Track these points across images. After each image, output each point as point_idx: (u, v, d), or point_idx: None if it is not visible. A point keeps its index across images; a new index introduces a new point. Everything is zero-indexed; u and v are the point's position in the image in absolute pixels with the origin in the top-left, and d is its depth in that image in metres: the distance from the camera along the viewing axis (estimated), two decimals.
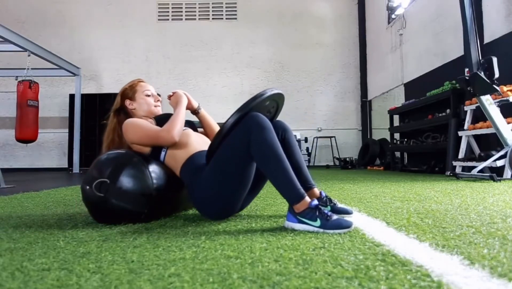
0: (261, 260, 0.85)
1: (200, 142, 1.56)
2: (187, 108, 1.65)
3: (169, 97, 1.65)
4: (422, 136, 5.62)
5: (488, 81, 3.27)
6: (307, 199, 1.22)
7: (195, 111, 1.72)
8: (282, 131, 1.48)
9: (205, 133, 1.75)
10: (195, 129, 1.71)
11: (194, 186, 1.39)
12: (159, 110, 1.69)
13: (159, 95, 1.78)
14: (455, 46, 5.06)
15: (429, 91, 5.33)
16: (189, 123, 1.70)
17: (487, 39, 4.47)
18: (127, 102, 1.64)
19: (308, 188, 1.46)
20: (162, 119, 1.57)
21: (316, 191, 1.49)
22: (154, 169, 1.43)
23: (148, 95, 1.66)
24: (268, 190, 2.67)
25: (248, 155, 1.27)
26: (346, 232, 1.14)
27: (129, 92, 1.65)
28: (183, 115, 1.54)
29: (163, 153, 1.51)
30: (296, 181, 1.23)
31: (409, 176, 4.50)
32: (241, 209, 1.54)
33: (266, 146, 1.24)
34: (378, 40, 8.24)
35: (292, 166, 1.31)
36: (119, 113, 1.64)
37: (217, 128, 1.76)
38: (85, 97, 8.13)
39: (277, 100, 1.48)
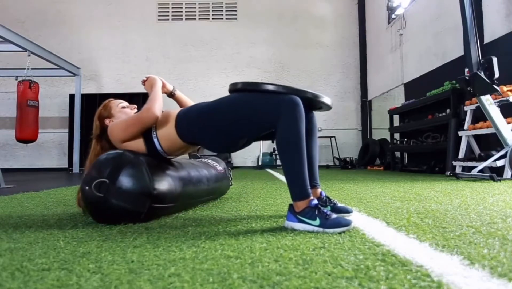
0: (261, 260, 0.85)
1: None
2: (163, 92, 1.67)
3: (143, 82, 1.66)
4: (422, 136, 5.62)
5: (488, 81, 3.27)
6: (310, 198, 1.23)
7: (170, 94, 1.74)
8: (310, 125, 1.50)
9: None
10: None
11: (200, 126, 1.42)
12: None
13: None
14: (455, 46, 5.06)
15: (429, 91, 5.33)
16: None
17: (487, 39, 4.47)
18: (107, 121, 1.63)
19: (312, 185, 1.47)
20: None
21: (318, 190, 1.50)
22: (153, 168, 1.43)
23: (124, 107, 1.67)
24: (268, 190, 2.67)
25: (267, 126, 1.31)
26: (345, 230, 1.14)
27: (104, 112, 1.65)
28: (159, 94, 1.55)
29: (155, 140, 1.49)
30: (307, 179, 1.25)
31: (409, 176, 4.50)
32: (241, 147, 1.54)
33: (295, 133, 1.25)
34: (378, 40, 8.24)
35: (308, 159, 1.33)
36: (101, 138, 1.63)
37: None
38: (85, 97, 8.13)
39: (322, 107, 1.52)
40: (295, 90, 1.33)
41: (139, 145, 1.50)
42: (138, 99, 7.40)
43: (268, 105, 1.30)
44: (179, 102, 1.79)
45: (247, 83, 1.38)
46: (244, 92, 1.39)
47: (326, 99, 1.42)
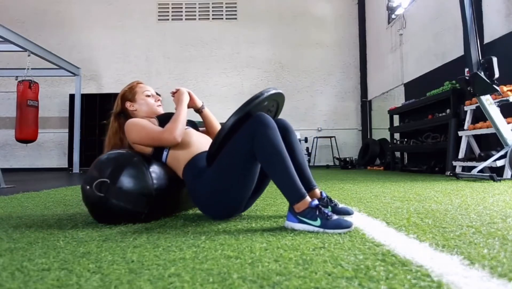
0: (261, 260, 0.85)
1: (202, 142, 1.56)
2: (191, 106, 1.65)
3: (173, 94, 1.65)
4: (422, 136, 5.61)
5: (488, 81, 3.27)
6: (308, 198, 1.22)
7: (198, 110, 1.72)
8: (283, 131, 1.43)
9: (207, 133, 1.75)
10: (196, 129, 1.71)
11: (197, 187, 1.39)
12: (161, 110, 1.69)
13: (158, 94, 1.78)
14: (455, 46, 5.05)
15: (429, 91, 5.33)
16: (190, 123, 1.70)
17: (487, 39, 4.46)
18: (128, 104, 1.64)
19: (309, 188, 1.45)
20: (164, 119, 1.57)
21: (317, 191, 1.48)
22: (154, 169, 1.43)
23: (148, 96, 1.66)
24: (268, 190, 2.67)
25: (253, 155, 1.28)
26: (346, 232, 1.14)
27: (129, 94, 1.65)
28: (184, 114, 1.53)
29: (165, 153, 1.51)
30: (298, 180, 1.24)
31: (409, 176, 4.50)
32: (244, 209, 1.54)
33: (269, 144, 1.24)
34: (378, 40, 8.24)
35: (294, 166, 1.31)
36: (119, 116, 1.64)
37: (220, 128, 1.77)
38: (85, 97, 8.12)
39: (277, 100, 1.48)
40: (239, 111, 1.30)
41: (147, 149, 1.52)
42: None
43: (243, 137, 1.29)
44: (205, 120, 1.75)
45: (212, 142, 1.35)
46: (218, 148, 1.34)
47: (267, 93, 1.35)
